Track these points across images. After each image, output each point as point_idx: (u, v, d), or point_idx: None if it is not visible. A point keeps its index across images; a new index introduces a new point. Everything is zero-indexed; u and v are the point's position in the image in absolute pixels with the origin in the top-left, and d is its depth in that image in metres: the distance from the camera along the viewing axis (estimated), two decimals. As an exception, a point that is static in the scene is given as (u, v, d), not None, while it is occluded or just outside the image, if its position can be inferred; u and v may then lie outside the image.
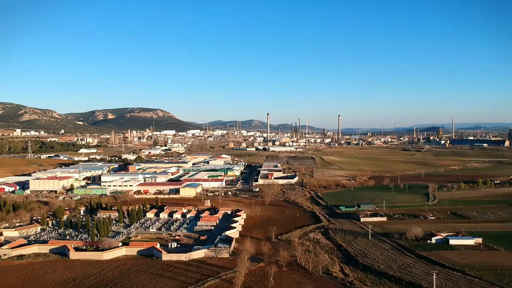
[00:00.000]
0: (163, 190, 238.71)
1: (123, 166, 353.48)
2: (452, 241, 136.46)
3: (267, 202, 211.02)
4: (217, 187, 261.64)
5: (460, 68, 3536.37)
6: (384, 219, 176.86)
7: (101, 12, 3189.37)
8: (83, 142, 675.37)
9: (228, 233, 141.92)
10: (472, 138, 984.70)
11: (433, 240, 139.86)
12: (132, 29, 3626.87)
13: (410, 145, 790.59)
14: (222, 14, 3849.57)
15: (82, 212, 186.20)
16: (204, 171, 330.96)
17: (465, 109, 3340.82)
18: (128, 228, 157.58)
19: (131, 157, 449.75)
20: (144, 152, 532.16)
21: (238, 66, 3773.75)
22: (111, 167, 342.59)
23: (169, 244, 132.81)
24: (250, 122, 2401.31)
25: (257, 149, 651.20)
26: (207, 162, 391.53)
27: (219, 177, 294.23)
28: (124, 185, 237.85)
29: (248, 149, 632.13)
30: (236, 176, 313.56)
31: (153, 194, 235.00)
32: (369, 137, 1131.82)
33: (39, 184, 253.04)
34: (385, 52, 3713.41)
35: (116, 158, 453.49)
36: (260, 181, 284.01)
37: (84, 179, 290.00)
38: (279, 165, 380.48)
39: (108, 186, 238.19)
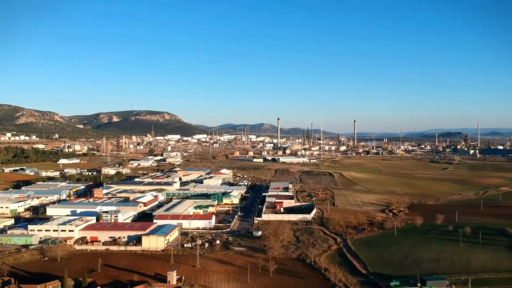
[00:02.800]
0: (120, 237, 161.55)
1: (92, 187, 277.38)
2: None
3: (271, 268, 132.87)
4: (203, 228, 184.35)
5: (476, 71, 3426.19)
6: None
7: (110, 12, 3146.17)
8: (70, 150, 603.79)
9: None
10: (501, 147, 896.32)
11: None
12: (143, 30, 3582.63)
13: (436, 155, 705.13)
14: (236, 15, 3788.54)
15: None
16: (192, 196, 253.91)
17: (480, 113, 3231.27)
18: None
19: (111, 171, 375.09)
20: (132, 163, 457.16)
21: (249, 68, 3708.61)
22: (74, 189, 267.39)
23: None
24: (260, 126, 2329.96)
25: (265, 159, 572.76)
26: (201, 181, 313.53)
27: (210, 208, 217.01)
28: (62, 230, 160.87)
29: (254, 160, 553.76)
30: (233, 205, 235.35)
31: (104, 244, 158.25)
32: (387, 144, 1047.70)
33: None
34: (396, 56, 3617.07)
35: (95, 173, 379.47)
36: (265, 216, 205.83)
37: (27, 209, 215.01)
38: (290, 186, 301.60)
39: (39, 230, 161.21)
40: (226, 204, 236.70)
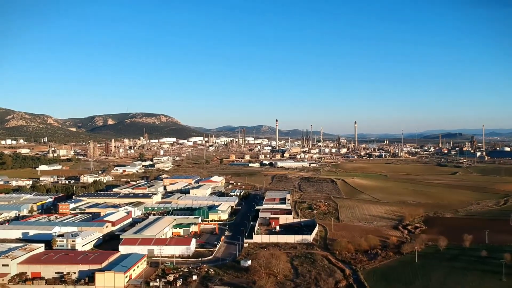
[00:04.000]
0: (69, 273, 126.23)
1: (62, 200, 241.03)
2: None
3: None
4: (179, 256, 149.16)
5: (474, 71, 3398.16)
6: None
7: (107, 12, 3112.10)
8: (55, 155, 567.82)
9: None
10: (508, 149, 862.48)
11: None
12: (140, 31, 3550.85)
13: (442, 158, 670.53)
14: (236, 15, 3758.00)
15: None
16: (174, 211, 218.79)
17: (479, 114, 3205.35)
18: None
19: (91, 179, 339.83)
20: (117, 170, 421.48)
21: (247, 69, 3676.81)
22: (39, 203, 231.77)
23: None
24: (259, 128, 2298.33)
25: (261, 164, 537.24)
26: (187, 192, 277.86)
27: (193, 226, 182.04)
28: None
29: (250, 165, 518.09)
30: (220, 222, 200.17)
31: (47, 283, 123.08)
32: (388, 146, 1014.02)
33: None
34: (395, 56, 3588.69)
35: (73, 181, 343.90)
36: (257, 238, 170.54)
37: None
38: (288, 196, 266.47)
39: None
40: (212, 221, 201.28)
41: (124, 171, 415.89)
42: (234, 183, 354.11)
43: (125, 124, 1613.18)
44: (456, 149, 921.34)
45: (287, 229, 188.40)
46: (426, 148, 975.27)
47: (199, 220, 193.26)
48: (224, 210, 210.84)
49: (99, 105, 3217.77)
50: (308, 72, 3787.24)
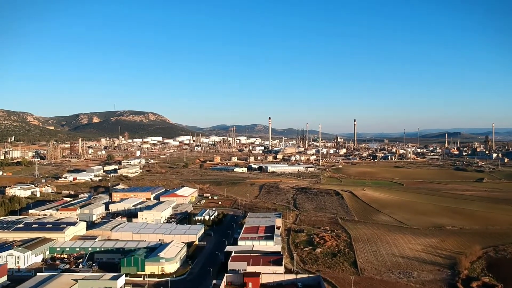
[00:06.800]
0: None
1: None
2: None
3: None
4: None
5: (471, 70, 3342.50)
6: None
7: (96, 7, 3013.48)
8: (8, 156, 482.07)
9: None
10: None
11: None
12: (136, 31, 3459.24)
13: (457, 161, 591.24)
14: (235, 15, 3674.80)
15: None
16: (96, 254, 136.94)
17: (475, 113, 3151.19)
18: None
19: (19, 191, 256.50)
20: (66, 178, 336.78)
21: (242, 67, 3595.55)
22: None
23: None
24: (253, 127, 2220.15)
25: (250, 168, 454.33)
26: (135, 215, 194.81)
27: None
28: None
29: (236, 169, 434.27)
30: (163, 278, 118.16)
31: None
32: (391, 146, 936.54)
33: None
34: (391, 55, 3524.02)
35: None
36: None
37: None
38: (277, 222, 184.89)
39: None
40: (149, 277, 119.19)
41: (74, 178, 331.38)
42: (210, 197, 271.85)
43: (110, 123, 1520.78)
44: (464, 148, 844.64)
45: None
46: (431, 148, 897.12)
47: (123, 280, 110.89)
48: (170, 258, 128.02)
49: (89, 103, 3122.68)
50: (304, 70, 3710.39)
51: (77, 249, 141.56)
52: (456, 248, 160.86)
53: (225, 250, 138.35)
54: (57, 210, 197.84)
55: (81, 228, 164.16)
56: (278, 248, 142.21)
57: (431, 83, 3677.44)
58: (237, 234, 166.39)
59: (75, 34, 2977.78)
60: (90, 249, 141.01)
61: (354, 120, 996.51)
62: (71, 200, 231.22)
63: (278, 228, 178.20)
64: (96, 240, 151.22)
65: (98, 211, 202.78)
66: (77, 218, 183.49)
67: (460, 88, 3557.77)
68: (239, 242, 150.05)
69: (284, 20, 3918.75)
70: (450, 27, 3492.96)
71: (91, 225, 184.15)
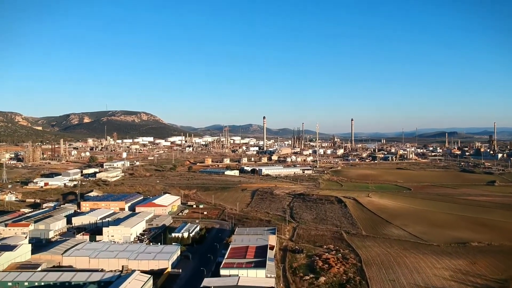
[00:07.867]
0: None
1: None
2: None
3: None
4: None
5: (466, 70, 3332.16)
6: None
7: (87, 8, 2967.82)
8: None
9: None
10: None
11: None
12: (126, 28, 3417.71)
13: (462, 162, 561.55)
14: (227, 14, 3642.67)
15: None
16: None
17: (470, 113, 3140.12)
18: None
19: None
20: (37, 183, 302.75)
21: (238, 67, 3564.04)
22: None
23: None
24: (248, 127, 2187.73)
25: (242, 170, 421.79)
26: (99, 231, 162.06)
27: None
28: None
29: (227, 172, 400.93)
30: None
31: None
32: (389, 146, 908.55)
33: None
34: (387, 55, 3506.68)
35: None
36: None
37: None
38: (271, 239, 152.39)
39: None
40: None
41: (46, 184, 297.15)
42: (195, 205, 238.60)
43: (101, 123, 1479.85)
44: (465, 148, 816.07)
45: None
46: (431, 148, 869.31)
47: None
48: (141, 280, 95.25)
49: (81, 104, 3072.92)
50: (299, 70, 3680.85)
51: (9, 284, 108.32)
52: (492, 273, 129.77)
53: (201, 286, 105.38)
54: (6, 225, 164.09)
55: (23, 253, 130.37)
56: (271, 282, 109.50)
57: (428, 83, 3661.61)
58: (221, 257, 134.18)
59: (67, 35, 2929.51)
60: (26, 283, 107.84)
61: (352, 120, 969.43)
62: (30, 212, 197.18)
63: (272, 248, 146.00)
64: (38, 270, 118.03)
65: (57, 226, 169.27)
66: (26, 236, 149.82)
67: (456, 87, 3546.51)
68: (222, 271, 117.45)
69: (280, 20, 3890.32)
70: (449, 27, 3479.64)
71: (44, 244, 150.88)
